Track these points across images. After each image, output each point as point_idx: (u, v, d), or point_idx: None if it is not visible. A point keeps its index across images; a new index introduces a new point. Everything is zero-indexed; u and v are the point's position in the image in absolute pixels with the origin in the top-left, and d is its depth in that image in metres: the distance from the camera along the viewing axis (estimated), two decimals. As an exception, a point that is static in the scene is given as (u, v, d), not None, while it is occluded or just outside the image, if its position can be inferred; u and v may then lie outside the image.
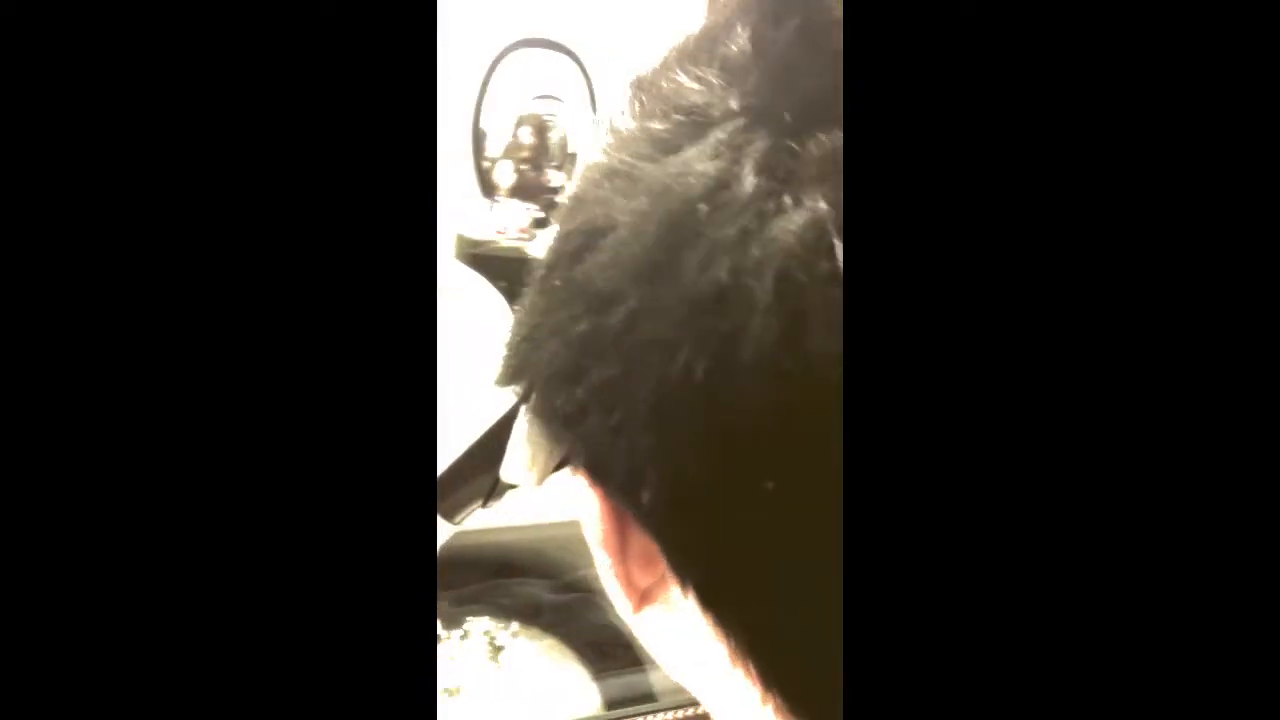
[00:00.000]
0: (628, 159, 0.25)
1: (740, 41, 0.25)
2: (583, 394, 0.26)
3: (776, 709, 0.28)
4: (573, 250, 0.27)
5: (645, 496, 0.26)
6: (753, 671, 0.27)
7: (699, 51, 0.26)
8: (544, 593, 1.23)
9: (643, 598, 0.30)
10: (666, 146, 0.24)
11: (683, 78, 0.25)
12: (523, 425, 0.31)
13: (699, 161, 0.23)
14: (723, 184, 0.23)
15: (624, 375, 0.25)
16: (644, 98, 0.27)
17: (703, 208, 0.23)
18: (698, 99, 0.25)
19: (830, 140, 0.24)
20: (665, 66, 0.27)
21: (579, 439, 0.27)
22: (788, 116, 0.24)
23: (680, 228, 0.23)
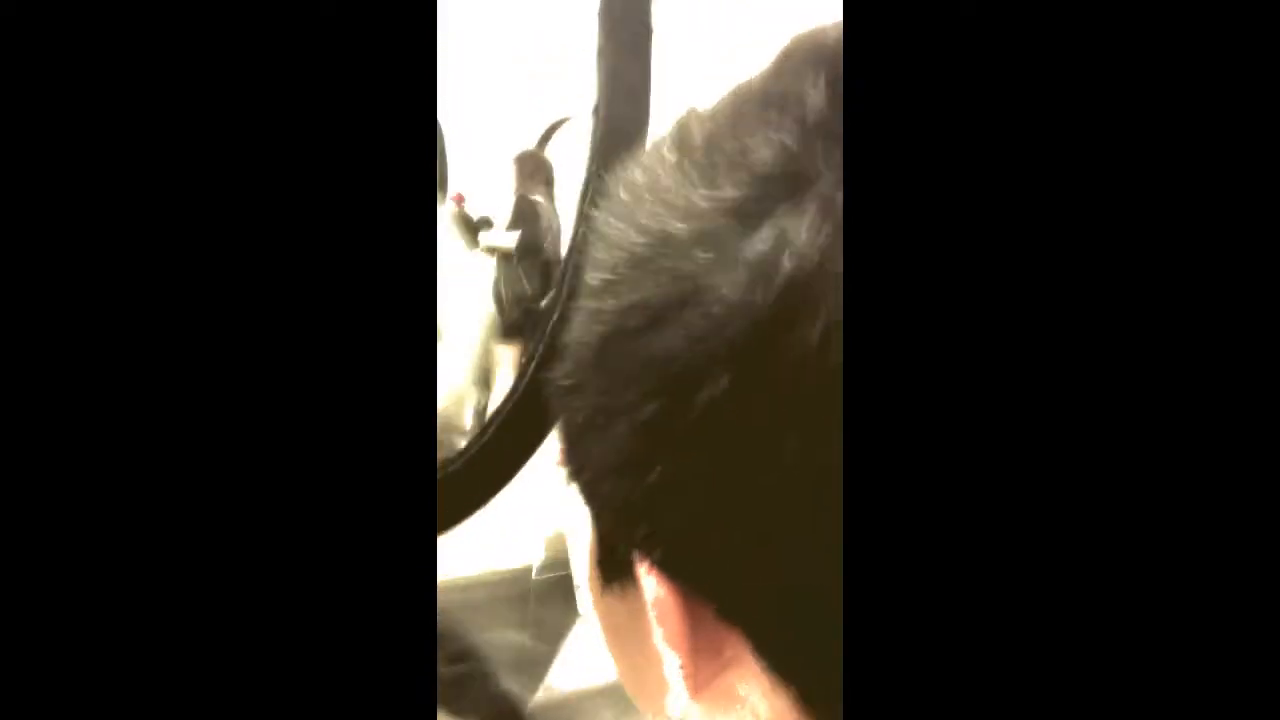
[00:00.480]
0: (709, 231, 0.23)
1: (816, 100, 0.23)
2: (656, 481, 0.24)
3: None
4: (645, 321, 0.24)
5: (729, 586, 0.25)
6: None
7: (769, 111, 0.24)
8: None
9: (698, 687, 0.28)
10: (754, 216, 0.23)
11: (750, 142, 0.24)
12: (584, 519, 0.29)
13: (803, 231, 0.22)
14: (835, 253, 0.21)
15: (710, 461, 0.23)
16: (700, 158, 0.25)
17: (817, 278, 0.21)
18: (780, 162, 0.23)
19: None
20: (731, 125, 0.25)
21: (656, 533, 0.25)
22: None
23: (791, 298, 0.21)
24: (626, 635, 0.30)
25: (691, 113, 0.26)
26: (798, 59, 0.25)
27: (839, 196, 0.22)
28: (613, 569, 0.29)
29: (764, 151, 0.23)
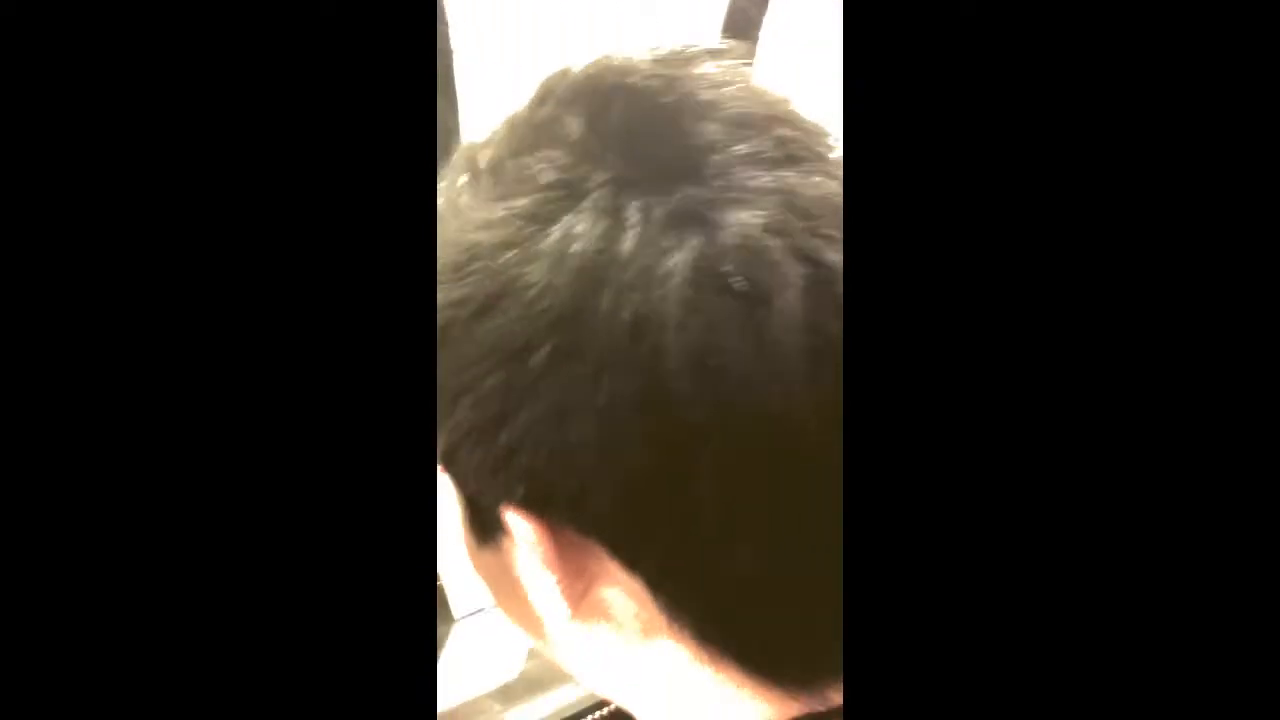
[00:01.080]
0: (509, 235, 0.29)
1: (575, 127, 0.30)
2: (507, 438, 0.30)
3: (731, 677, 0.33)
4: (470, 313, 0.30)
5: (593, 506, 0.31)
6: (702, 635, 0.32)
7: (537, 139, 0.31)
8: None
9: (574, 603, 0.33)
10: (542, 218, 0.29)
11: (529, 160, 0.30)
12: (448, 490, 0.35)
13: (581, 225, 0.28)
14: (611, 240, 0.28)
15: (554, 411, 0.29)
16: (490, 181, 0.31)
17: (600, 261, 0.28)
18: (555, 176, 0.30)
19: (694, 190, 0.29)
20: (506, 152, 0.32)
21: (514, 479, 0.31)
22: (647, 178, 0.29)
23: (586, 281, 0.28)
24: (505, 582, 0.35)
25: (471, 144, 0.33)
26: (557, 93, 0.31)
27: (610, 196, 0.29)
28: (481, 527, 0.34)
29: (542, 168, 0.30)
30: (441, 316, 0.31)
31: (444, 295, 0.31)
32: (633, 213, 0.28)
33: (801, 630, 0.32)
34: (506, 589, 0.35)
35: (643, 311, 0.28)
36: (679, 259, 0.28)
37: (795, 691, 0.33)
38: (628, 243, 0.28)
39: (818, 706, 0.32)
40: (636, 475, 0.30)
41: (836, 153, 0.32)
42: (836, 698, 0.33)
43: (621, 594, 0.33)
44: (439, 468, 0.34)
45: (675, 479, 0.29)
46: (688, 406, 0.28)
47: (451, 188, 0.32)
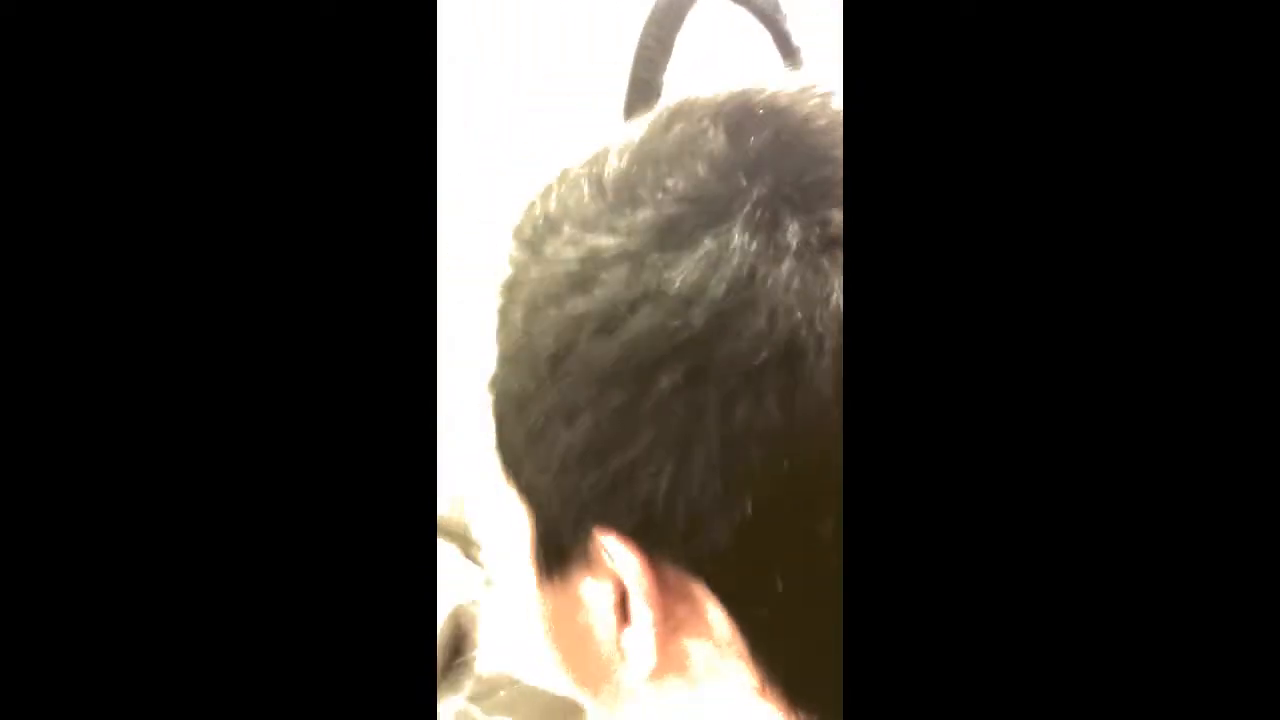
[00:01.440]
0: (644, 243, 0.28)
1: (719, 142, 0.29)
2: (623, 461, 0.28)
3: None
4: (596, 327, 0.29)
5: (708, 544, 0.28)
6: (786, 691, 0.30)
7: (675, 154, 0.29)
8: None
9: (663, 648, 0.31)
10: (685, 230, 0.28)
11: (664, 172, 0.29)
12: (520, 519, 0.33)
13: (737, 240, 0.27)
14: (768, 258, 0.27)
15: (681, 436, 0.27)
16: (617, 191, 0.30)
17: (757, 278, 0.27)
18: (698, 189, 0.28)
19: (833, 215, 0.28)
20: (634, 165, 0.30)
21: (625, 505, 0.29)
22: (802, 200, 0.28)
23: (739, 297, 0.27)
24: (571, 623, 0.32)
25: (606, 149, 0.31)
26: (692, 113, 0.30)
27: (765, 214, 0.28)
28: (553, 559, 0.32)
29: (679, 180, 0.28)
30: (562, 330, 0.29)
31: (565, 308, 0.29)
32: (792, 233, 0.27)
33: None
34: (570, 631, 0.33)
35: (802, 334, 0.26)
36: (838, 283, 0.27)
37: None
38: (788, 262, 0.27)
39: None
40: (758, 512, 0.28)
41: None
42: None
43: (708, 646, 0.31)
44: (517, 493, 0.32)
45: (797, 518, 0.28)
46: (821, 439, 0.27)
47: (571, 192, 0.31)
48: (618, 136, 0.32)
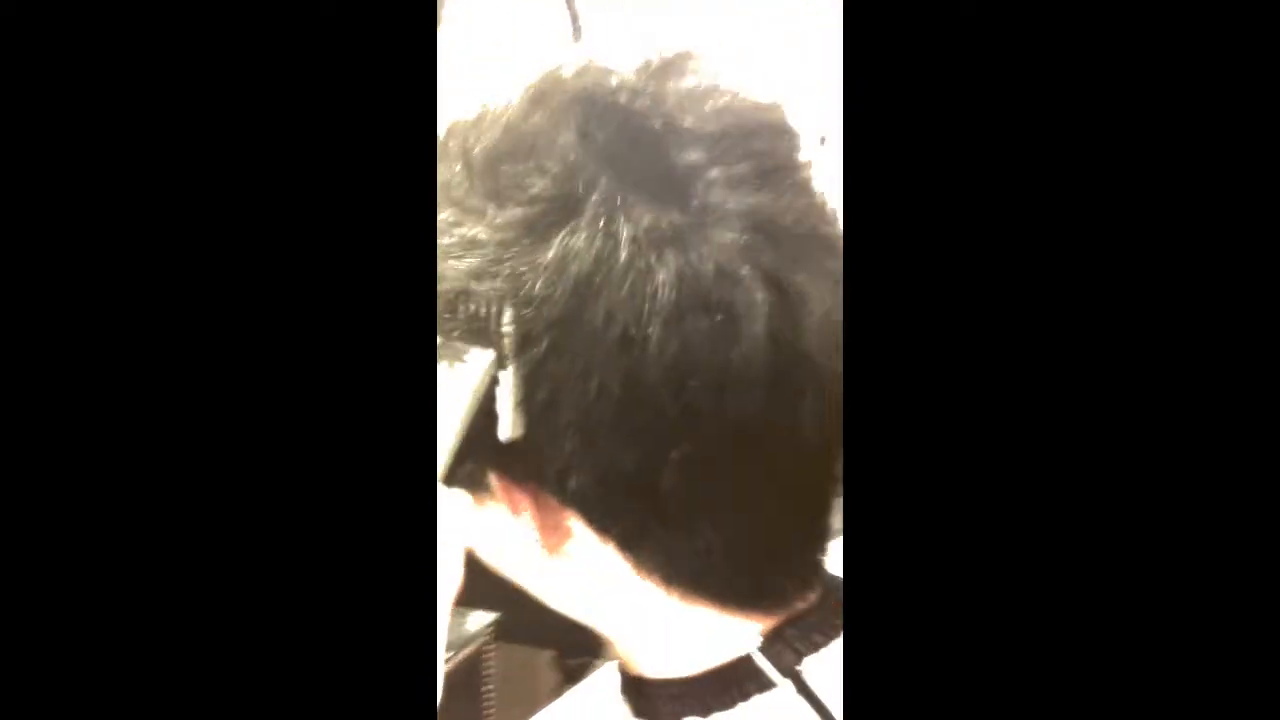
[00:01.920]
0: (509, 238, 0.32)
1: (568, 141, 0.32)
2: (526, 418, 0.34)
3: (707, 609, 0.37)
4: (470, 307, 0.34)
5: (575, 485, 0.34)
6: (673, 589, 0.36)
7: (532, 146, 0.33)
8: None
9: (553, 549, 0.37)
10: (540, 230, 0.32)
11: (523, 168, 0.33)
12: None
13: (579, 242, 0.31)
14: (605, 258, 0.31)
15: (550, 399, 0.33)
16: (485, 180, 0.33)
17: (596, 276, 0.31)
18: (551, 189, 0.32)
19: (678, 213, 0.32)
20: (501, 154, 0.34)
21: (514, 452, 0.35)
22: (637, 196, 0.32)
23: (583, 292, 0.31)
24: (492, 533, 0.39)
25: (463, 128, 0.35)
26: (550, 103, 0.34)
27: (604, 215, 0.32)
28: (475, 486, 0.37)
29: (535, 180, 0.32)
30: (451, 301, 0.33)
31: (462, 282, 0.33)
32: (625, 232, 0.31)
33: (765, 577, 0.37)
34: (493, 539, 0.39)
35: (631, 326, 0.31)
36: (664, 278, 0.31)
37: (770, 610, 0.37)
38: (620, 261, 0.31)
39: (796, 609, 0.37)
40: (612, 465, 0.33)
41: (808, 158, 0.35)
42: (812, 597, 0.38)
43: (593, 554, 0.37)
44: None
45: (647, 472, 0.33)
46: (663, 410, 0.32)
47: (447, 171, 0.34)
48: (492, 104, 0.35)
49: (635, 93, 0.34)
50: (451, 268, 0.33)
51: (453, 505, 0.36)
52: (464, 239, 0.33)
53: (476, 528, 0.38)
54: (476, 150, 0.34)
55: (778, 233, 0.33)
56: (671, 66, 0.35)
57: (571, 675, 1.38)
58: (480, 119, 0.35)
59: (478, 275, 0.33)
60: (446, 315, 0.34)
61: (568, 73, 0.35)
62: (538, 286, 0.32)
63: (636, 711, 0.40)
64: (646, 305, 0.31)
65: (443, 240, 0.34)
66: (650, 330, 0.31)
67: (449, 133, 0.36)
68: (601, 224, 0.32)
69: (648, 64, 0.35)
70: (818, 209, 0.34)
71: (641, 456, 0.33)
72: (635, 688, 0.40)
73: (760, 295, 0.32)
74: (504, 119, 0.34)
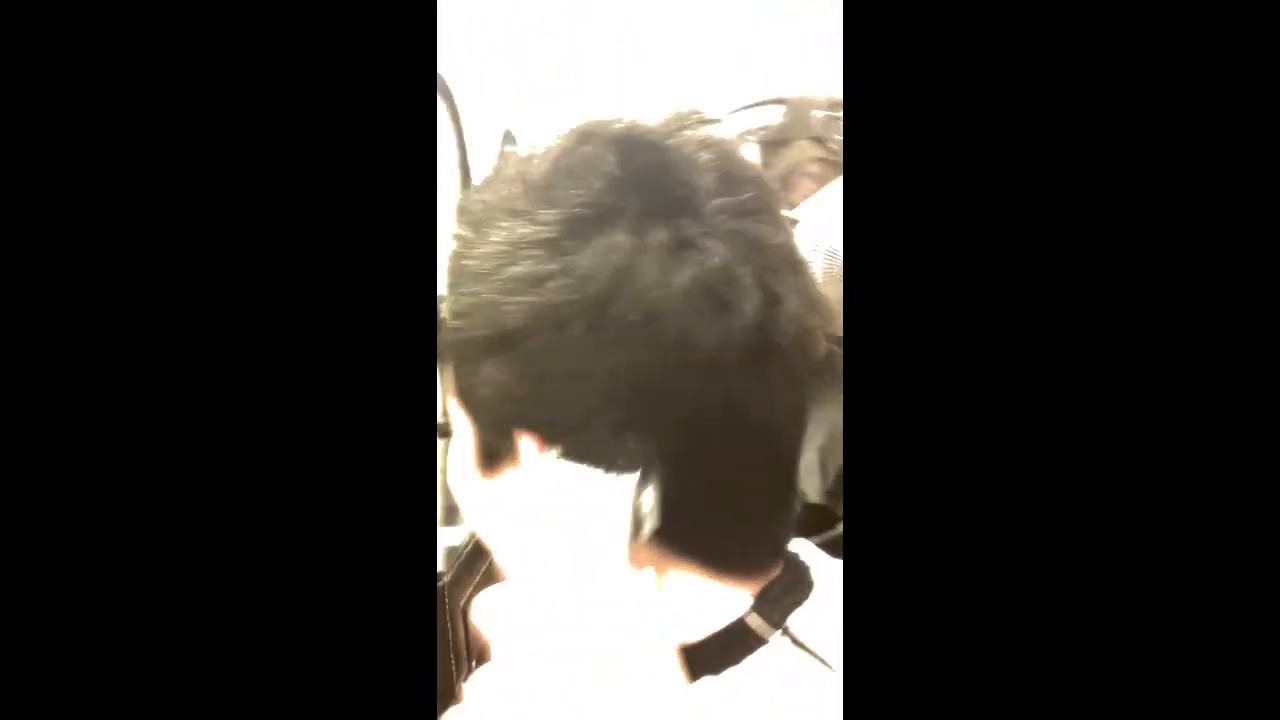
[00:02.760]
0: (557, 235, 0.40)
1: (611, 165, 0.41)
2: (539, 386, 0.41)
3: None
4: (519, 295, 0.41)
5: (593, 436, 0.40)
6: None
7: (584, 169, 0.41)
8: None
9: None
10: (585, 230, 0.39)
11: (574, 184, 0.41)
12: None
13: (618, 240, 0.39)
14: (637, 255, 0.39)
15: (581, 369, 0.40)
16: (541, 193, 0.41)
17: (629, 268, 0.39)
18: (596, 200, 0.40)
19: (694, 225, 0.40)
20: (555, 175, 0.41)
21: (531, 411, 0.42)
22: (662, 212, 0.40)
23: (618, 281, 0.39)
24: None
25: (518, 158, 0.44)
26: (599, 137, 0.42)
27: (637, 222, 0.39)
28: (490, 453, 0.43)
29: (582, 193, 0.40)
30: (501, 291, 0.40)
31: (502, 275, 0.40)
32: (653, 236, 0.39)
33: (748, 547, 0.44)
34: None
35: (653, 308, 0.39)
36: (682, 274, 0.39)
37: (751, 576, 0.43)
38: (648, 257, 0.39)
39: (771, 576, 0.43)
40: (626, 419, 0.40)
41: (785, 210, 0.44)
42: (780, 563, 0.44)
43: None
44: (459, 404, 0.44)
45: (652, 425, 0.40)
46: (667, 375, 0.39)
47: (505, 187, 0.42)
48: (541, 144, 0.44)
49: (665, 133, 0.43)
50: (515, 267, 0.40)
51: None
52: (523, 239, 0.40)
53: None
54: (534, 175, 0.42)
55: (765, 249, 0.41)
56: (691, 118, 0.44)
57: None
58: (531, 154, 0.43)
59: (539, 279, 0.39)
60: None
61: (608, 119, 0.44)
62: (584, 270, 0.39)
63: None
64: (665, 294, 0.39)
65: (505, 244, 0.41)
66: (663, 312, 0.39)
67: (506, 161, 0.44)
68: (634, 228, 0.39)
69: (676, 111, 0.44)
70: (790, 238, 0.43)
71: (635, 423, 0.40)
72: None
73: (754, 293, 0.39)
74: (554, 152, 0.43)
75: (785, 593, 0.43)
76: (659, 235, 0.39)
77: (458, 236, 0.43)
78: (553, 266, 0.39)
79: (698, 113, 0.45)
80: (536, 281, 0.39)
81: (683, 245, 0.39)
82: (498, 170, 0.44)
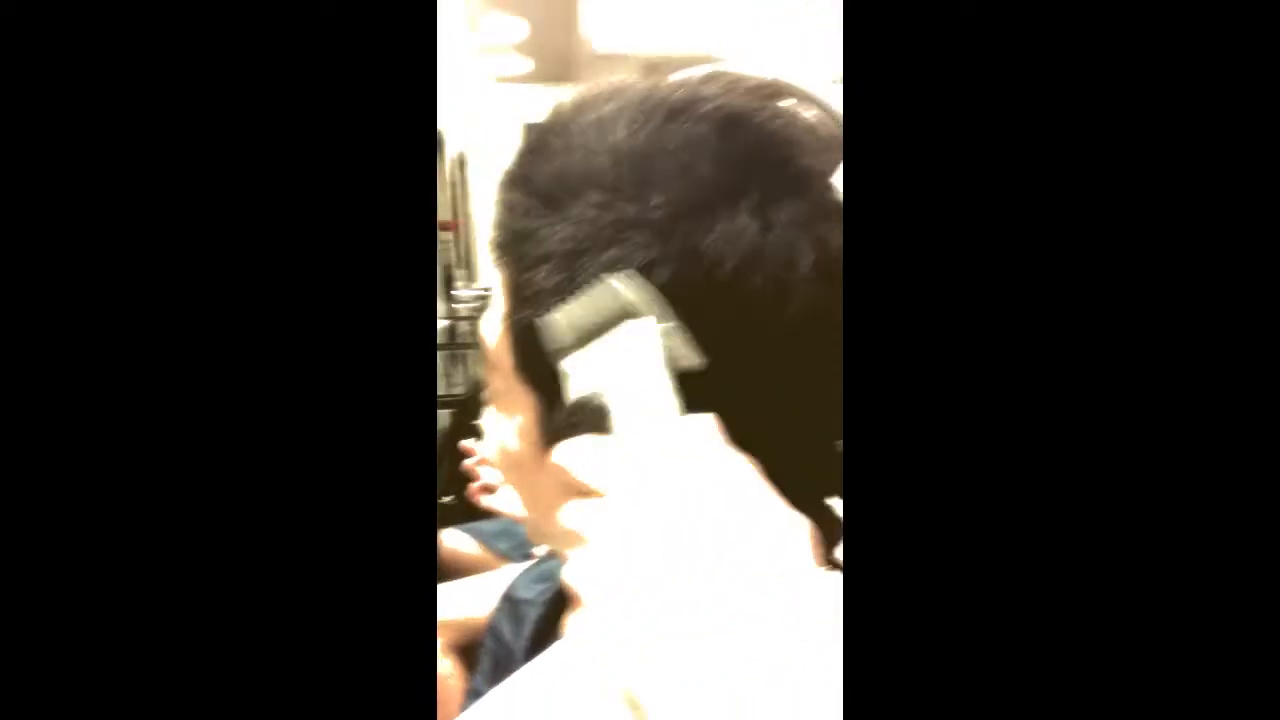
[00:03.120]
0: (684, 212, 0.40)
1: (712, 149, 0.41)
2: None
3: None
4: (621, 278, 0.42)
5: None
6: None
7: (684, 146, 0.41)
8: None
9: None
10: (708, 215, 0.40)
11: (676, 164, 0.41)
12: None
13: (742, 222, 0.40)
14: (763, 235, 0.40)
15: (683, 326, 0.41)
16: (635, 167, 0.41)
17: (756, 248, 0.40)
18: (707, 190, 0.40)
19: (805, 204, 0.40)
20: (655, 148, 0.42)
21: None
22: (776, 194, 0.41)
23: (749, 260, 0.40)
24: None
25: (604, 116, 0.43)
26: (695, 113, 0.42)
27: (759, 206, 0.40)
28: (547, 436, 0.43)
29: (688, 183, 0.41)
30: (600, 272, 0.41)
31: (601, 258, 0.41)
32: (775, 217, 0.41)
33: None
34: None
35: (779, 283, 0.40)
36: (804, 249, 0.40)
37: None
38: (772, 237, 0.40)
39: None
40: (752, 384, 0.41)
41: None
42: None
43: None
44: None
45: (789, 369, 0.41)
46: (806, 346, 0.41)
47: (595, 161, 0.42)
48: (614, 103, 0.43)
49: (759, 110, 0.43)
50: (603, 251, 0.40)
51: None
52: (618, 220, 0.41)
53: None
54: (626, 149, 0.42)
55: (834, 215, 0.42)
56: (775, 87, 0.44)
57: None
58: (604, 121, 0.43)
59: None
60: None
61: (697, 79, 0.44)
62: (717, 254, 0.40)
63: None
64: (792, 269, 0.40)
65: (593, 224, 0.41)
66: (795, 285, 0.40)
67: (566, 128, 0.44)
68: (756, 211, 0.40)
69: (758, 80, 0.44)
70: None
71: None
72: None
73: (809, 253, 0.41)
74: (643, 131, 0.42)
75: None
76: (780, 217, 0.40)
77: (516, 205, 0.42)
78: (658, 251, 0.40)
79: (777, 82, 0.44)
80: (640, 265, 0.40)
81: (800, 223, 0.40)
82: (561, 129, 0.43)
